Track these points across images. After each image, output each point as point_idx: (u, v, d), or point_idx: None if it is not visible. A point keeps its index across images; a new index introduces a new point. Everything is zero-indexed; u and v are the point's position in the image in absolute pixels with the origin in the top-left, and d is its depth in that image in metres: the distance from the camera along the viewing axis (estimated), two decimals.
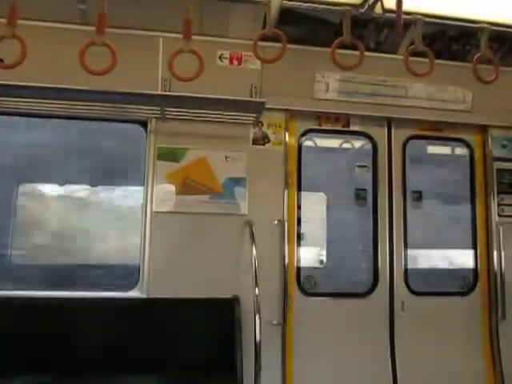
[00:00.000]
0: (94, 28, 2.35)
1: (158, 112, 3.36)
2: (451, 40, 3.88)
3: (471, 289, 3.95)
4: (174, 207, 3.44)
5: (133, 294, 3.36)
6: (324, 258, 4.50)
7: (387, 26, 3.63)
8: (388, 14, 2.79)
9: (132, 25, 3.36)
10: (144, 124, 3.53)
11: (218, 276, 3.41)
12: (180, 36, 2.48)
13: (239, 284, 3.38)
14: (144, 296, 3.33)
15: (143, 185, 3.48)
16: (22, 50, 2.21)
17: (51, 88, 2.98)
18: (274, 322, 3.45)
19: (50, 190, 5.25)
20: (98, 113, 3.37)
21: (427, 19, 2.80)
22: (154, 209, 3.42)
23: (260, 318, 2.99)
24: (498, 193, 3.98)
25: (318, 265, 4.45)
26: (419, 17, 2.76)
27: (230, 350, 3.14)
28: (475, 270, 3.98)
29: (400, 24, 2.54)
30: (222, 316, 3.31)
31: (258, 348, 2.93)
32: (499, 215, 3.95)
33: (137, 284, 3.37)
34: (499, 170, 4.01)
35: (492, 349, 3.83)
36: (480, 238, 4.00)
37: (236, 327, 3.20)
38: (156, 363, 3.13)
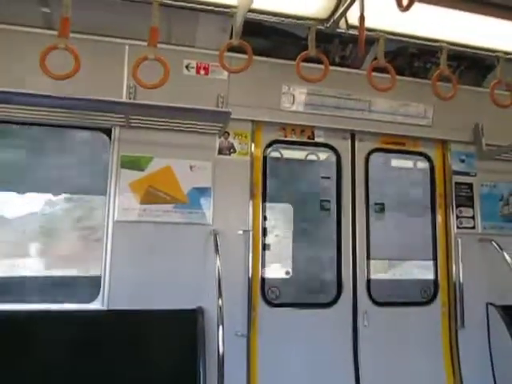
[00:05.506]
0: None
1: (123, 120, 3.31)
2: (413, 57, 3.99)
3: (432, 299, 4.04)
4: (137, 216, 3.37)
5: (93, 306, 3.26)
6: (290, 269, 4.52)
7: (352, 42, 3.72)
8: (352, 30, 2.86)
9: (98, 31, 3.31)
10: (108, 132, 3.46)
11: (182, 287, 3.36)
12: (146, 44, 2.46)
13: (203, 295, 3.33)
14: (105, 308, 3.24)
15: (105, 193, 3.41)
16: None
17: (11, 92, 2.87)
18: (239, 333, 3.43)
19: None
20: (60, 119, 3.28)
21: (389, 36, 2.89)
22: (116, 218, 3.34)
23: (223, 330, 2.94)
24: (457, 205, 4.11)
25: (283, 275, 4.46)
26: (381, 34, 2.85)
27: (194, 362, 3.09)
28: (435, 281, 4.08)
29: (362, 40, 2.61)
30: (185, 327, 3.24)
31: (220, 360, 2.89)
32: (458, 227, 4.08)
33: (97, 296, 3.28)
34: (458, 184, 4.14)
35: (452, 357, 3.93)
36: (440, 249, 4.11)
37: (199, 339, 3.14)
38: (117, 376, 3.04)
